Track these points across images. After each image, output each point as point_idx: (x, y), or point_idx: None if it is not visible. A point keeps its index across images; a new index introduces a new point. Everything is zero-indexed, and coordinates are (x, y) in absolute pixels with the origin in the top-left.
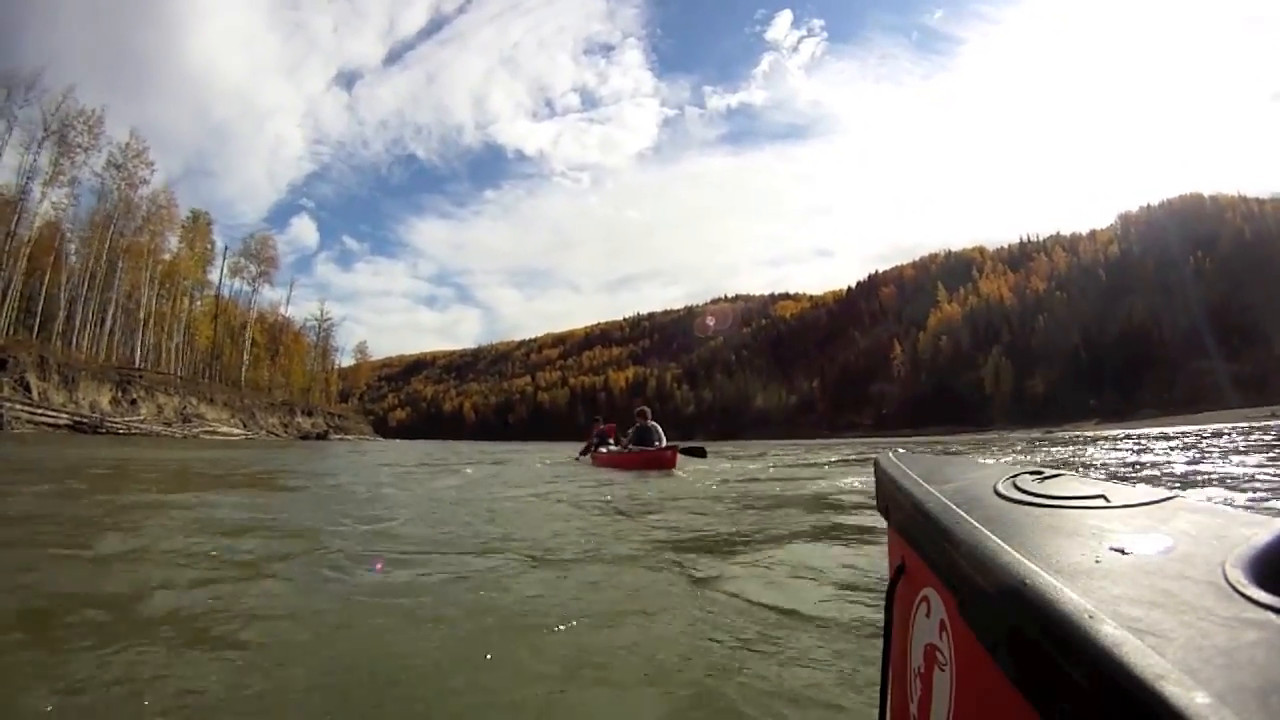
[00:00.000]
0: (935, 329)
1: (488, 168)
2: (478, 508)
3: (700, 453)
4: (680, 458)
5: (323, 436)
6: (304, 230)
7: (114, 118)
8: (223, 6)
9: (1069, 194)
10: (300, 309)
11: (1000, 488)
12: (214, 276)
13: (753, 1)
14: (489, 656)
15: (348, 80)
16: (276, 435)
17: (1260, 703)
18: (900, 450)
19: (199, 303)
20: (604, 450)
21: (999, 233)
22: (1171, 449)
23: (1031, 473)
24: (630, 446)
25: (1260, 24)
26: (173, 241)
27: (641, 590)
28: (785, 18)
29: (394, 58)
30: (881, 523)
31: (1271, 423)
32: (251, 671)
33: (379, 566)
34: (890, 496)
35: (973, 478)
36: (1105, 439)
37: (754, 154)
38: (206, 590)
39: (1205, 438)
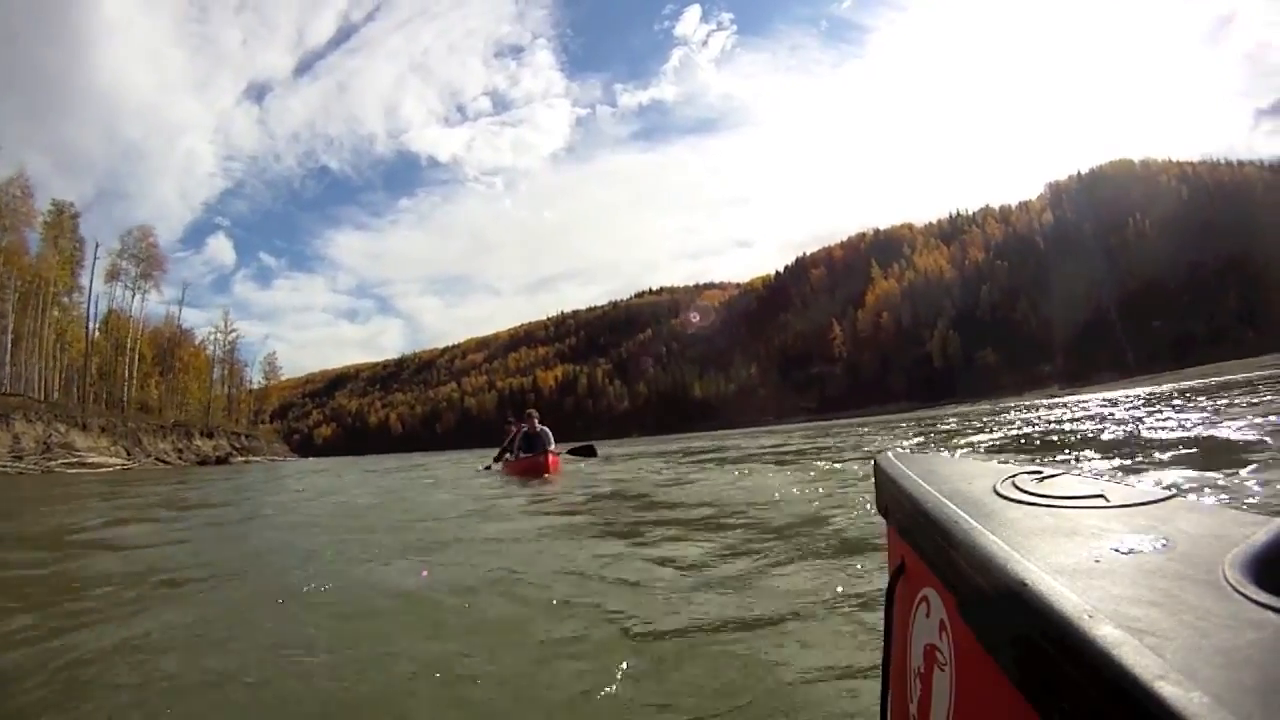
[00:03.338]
0: (874, 306)
1: (401, 176)
2: None
3: (590, 451)
4: (568, 459)
5: (223, 460)
6: (221, 249)
7: (27, 142)
8: (128, 23)
9: (989, 171)
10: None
11: (1000, 488)
12: (89, 281)
13: None
14: None
15: (258, 93)
16: (166, 462)
17: (1259, 702)
18: (899, 450)
19: (71, 312)
20: (509, 457)
21: (919, 213)
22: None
23: (1031, 472)
24: (520, 454)
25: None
26: (34, 240)
27: None
28: (694, 13)
29: (304, 68)
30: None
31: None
32: None
33: (425, 574)
34: (890, 496)
35: (972, 477)
36: (1085, 404)
37: (667, 149)
38: None
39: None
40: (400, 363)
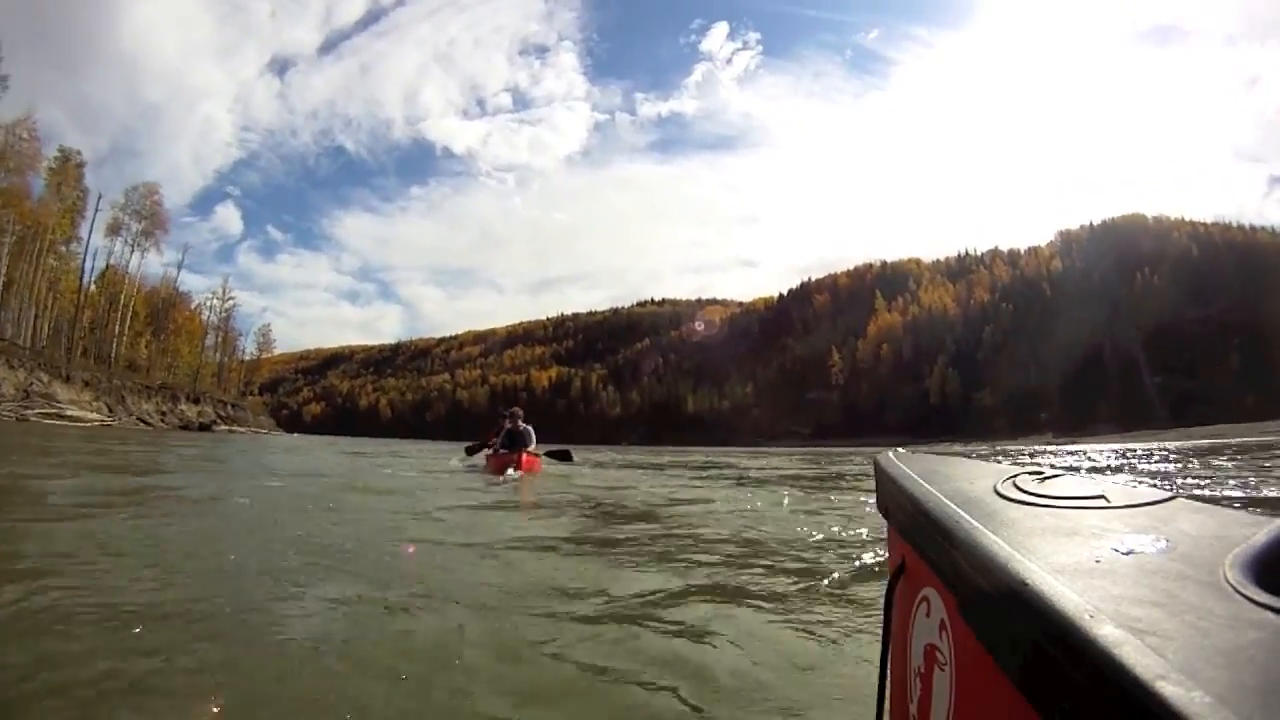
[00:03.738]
0: (875, 337)
1: (415, 164)
2: None
3: (566, 456)
4: (547, 460)
5: (206, 428)
6: (228, 218)
7: (48, 93)
8: None
9: (1000, 215)
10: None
11: (1000, 488)
12: (87, 233)
13: (690, 11)
14: None
15: (281, 67)
16: (148, 424)
17: (1260, 703)
18: (900, 450)
19: (68, 262)
20: (488, 451)
21: (927, 249)
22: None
23: (1031, 473)
24: (499, 450)
25: (1182, 46)
26: (37, 186)
27: None
28: (721, 30)
29: (329, 47)
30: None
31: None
32: None
33: (410, 550)
34: (890, 496)
35: (973, 478)
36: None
37: (682, 162)
38: None
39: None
40: (396, 348)
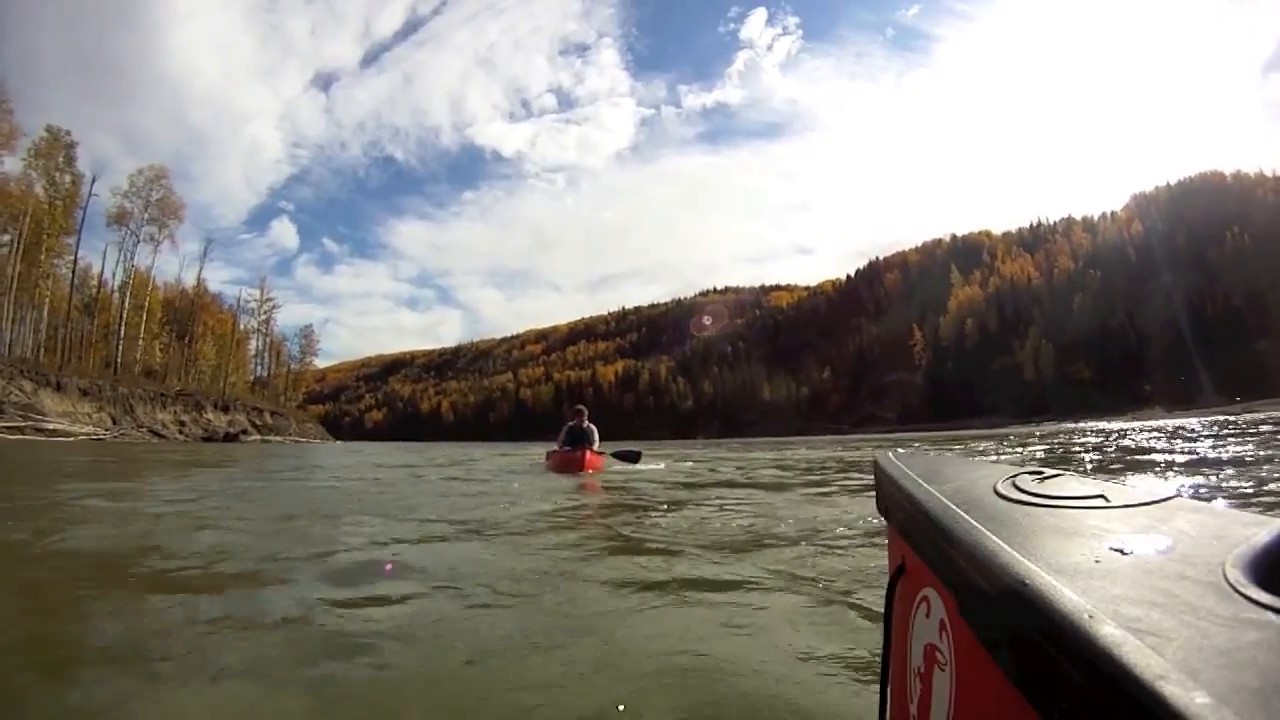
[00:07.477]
0: (957, 313)
1: (465, 169)
2: None
3: (633, 457)
4: (611, 460)
5: (232, 438)
6: (284, 233)
7: (95, 124)
8: (199, 10)
9: (1055, 184)
10: (282, 313)
11: (1000, 488)
12: (83, 225)
13: (727, 0)
14: None
15: (325, 82)
16: (161, 435)
17: (1260, 703)
18: (899, 450)
19: (64, 257)
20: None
21: (984, 224)
22: None
23: (1031, 473)
24: (563, 447)
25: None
26: (13, 166)
27: None
28: (759, 16)
29: (370, 60)
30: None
31: None
32: None
33: (389, 568)
34: (890, 496)
35: (973, 478)
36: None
37: (731, 152)
38: None
39: None
40: (457, 351)
